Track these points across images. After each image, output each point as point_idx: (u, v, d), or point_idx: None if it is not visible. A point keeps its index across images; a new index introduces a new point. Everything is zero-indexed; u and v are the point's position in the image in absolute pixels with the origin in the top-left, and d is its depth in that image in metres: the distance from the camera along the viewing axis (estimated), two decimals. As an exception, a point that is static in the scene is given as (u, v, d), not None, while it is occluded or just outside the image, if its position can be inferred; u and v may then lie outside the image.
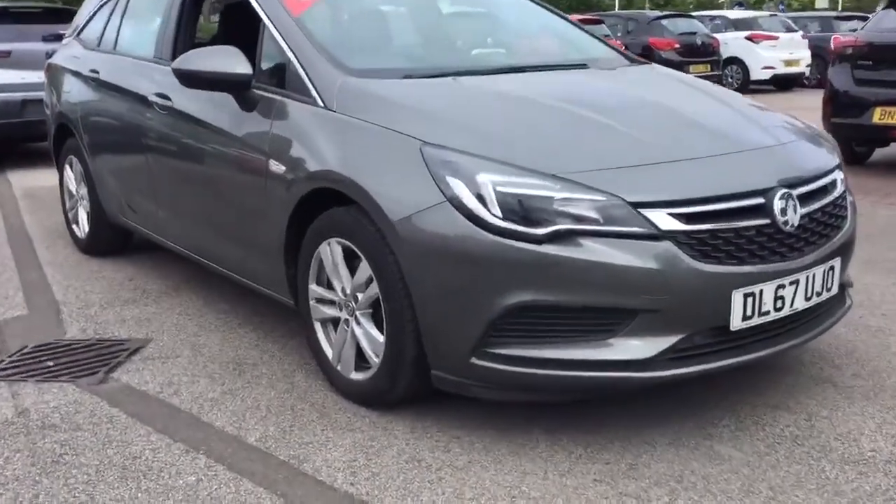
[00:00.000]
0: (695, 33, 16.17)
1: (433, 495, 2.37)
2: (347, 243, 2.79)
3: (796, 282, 2.62)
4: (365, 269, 2.74)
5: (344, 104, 2.93)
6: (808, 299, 2.68)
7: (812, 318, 2.80)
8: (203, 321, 3.78)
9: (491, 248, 2.42)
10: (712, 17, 18.93)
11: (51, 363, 3.34)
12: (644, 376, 2.47)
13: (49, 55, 5.78)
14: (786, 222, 2.59)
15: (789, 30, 17.47)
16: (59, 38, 6.59)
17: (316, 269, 2.97)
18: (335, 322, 2.96)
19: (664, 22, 16.62)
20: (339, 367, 2.95)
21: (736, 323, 2.52)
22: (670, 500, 2.33)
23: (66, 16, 8.39)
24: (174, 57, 3.81)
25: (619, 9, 35.51)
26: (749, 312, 2.53)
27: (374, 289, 2.71)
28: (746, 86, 16.34)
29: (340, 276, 2.87)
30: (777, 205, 2.59)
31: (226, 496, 2.39)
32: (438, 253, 2.51)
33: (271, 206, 3.10)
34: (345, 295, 2.86)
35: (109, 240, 4.82)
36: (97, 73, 4.49)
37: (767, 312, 2.57)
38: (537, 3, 4.24)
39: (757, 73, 16.64)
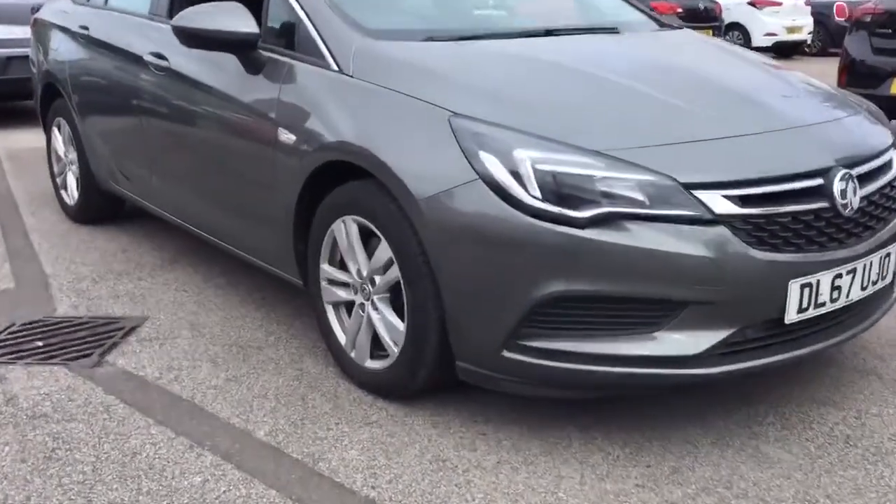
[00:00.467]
0: (697, -3, 15.83)
1: (462, 502, 2.17)
2: (365, 222, 2.57)
3: (853, 270, 2.42)
4: (384, 251, 2.52)
5: (361, 69, 2.68)
6: (863, 289, 2.48)
7: (862, 308, 2.60)
8: (202, 298, 3.55)
9: (527, 231, 2.20)
10: (714, -19, 18.56)
11: (40, 343, 3.11)
12: (692, 373, 2.27)
13: (35, 9, 5.46)
14: (846, 205, 2.38)
15: (792, -5, 17.14)
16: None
17: (329, 249, 2.75)
18: (349, 306, 2.74)
19: (666, -15, 16.27)
20: (352, 355, 2.74)
21: (791, 315, 2.31)
22: (720, 508, 2.15)
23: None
24: (172, 13, 3.54)
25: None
26: (805, 304, 2.33)
27: (394, 272, 2.49)
28: (748, 52, 16.03)
29: (356, 257, 2.64)
30: (837, 186, 2.37)
31: (236, 500, 2.18)
32: (468, 236, 2.28)
33: (279, 179, 2.85)
34: (360, 277, 2.64)
35: (100, 207, 4.56)
36: (87, 29, 4.20)
37: (824, 304, 2.37)
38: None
39: (759, 40, 16.28)
